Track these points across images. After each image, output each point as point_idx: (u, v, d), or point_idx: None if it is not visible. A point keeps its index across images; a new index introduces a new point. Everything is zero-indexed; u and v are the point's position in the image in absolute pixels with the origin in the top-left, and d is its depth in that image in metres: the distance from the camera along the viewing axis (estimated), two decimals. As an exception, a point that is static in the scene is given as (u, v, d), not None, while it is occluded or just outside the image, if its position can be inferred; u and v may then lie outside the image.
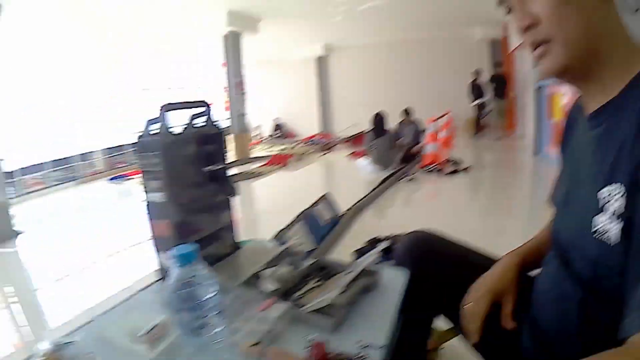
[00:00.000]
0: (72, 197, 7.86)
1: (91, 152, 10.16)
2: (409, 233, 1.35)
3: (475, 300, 1.06)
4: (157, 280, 1.44)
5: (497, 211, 4.15)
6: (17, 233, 4.76)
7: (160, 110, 1.22)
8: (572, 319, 0.84)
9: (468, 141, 9.16)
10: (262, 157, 9.97)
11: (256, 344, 0.99)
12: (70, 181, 9.05)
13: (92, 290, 3.31)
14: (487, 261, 1.17)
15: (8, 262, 4.24)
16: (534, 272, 1.07)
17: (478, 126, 9.64)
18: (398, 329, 1.08)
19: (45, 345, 1.07)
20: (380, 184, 5.57)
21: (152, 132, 1.26)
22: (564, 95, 5.16)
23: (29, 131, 8.94)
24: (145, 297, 1.37)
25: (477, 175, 5.94)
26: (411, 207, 5.01)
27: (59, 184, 8.74)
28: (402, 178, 5.97)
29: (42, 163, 8.71)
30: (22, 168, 8.13)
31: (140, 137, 1.25)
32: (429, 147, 6.44)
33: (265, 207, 5.87)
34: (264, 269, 1.35)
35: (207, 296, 0.81)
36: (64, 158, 9.30)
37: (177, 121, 1.34)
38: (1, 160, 4.66)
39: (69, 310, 3.01)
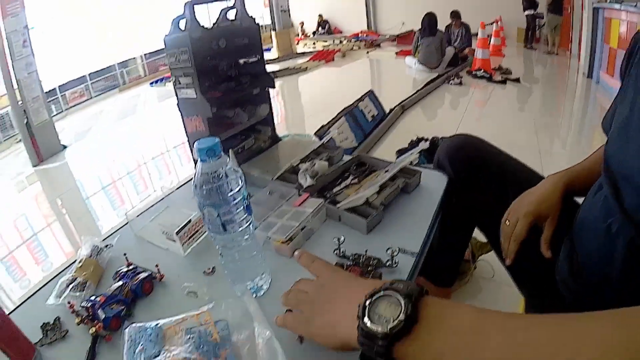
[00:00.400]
0: (113, 106, 7.90)
1: (131, 58, 10.06)
2: (452, 136, 1.26)
3: (515, 219, 0.99)
4: (192, 179, 1.45)
5: (544, 129, 3.93)
6: (64, 147, 4.90)
7: (186, 5, 1.15)
8: (616, 259, 0.76)
9: (519, 51, 8.65)
10: (306, 53, 9.76)
11: (288, 240, 1.00)
12: (111, 89, 9.07)
13: (133, 194, 3.44)
14: (532, 177, 1.10)
15: (56, 176, 4.35)
16: (579, 199, 0.98)
17: (530, 37, 9.03)
18: (434, 235, 1.05)
19: (84, 251, 1.11)
20: (427, 84, 5.41)
21: (180, 29, 1.22)
22: (623, 22, 4.73)
23: (66, 45, 8.84)
24: (180, 196, 1.39)
25: (526, 88, 5.63)
26: (457, 111, 4.81)
27: (100, 94, 8.77)
28: (450, 80, 5.79)
29: (83, 76, 8.65)
30: (64, 84, 8.11)
31: (166, 35, 1.20)
32: (479, 52, 6.19)
33: (308, 103, 5.76)
34: (300, 163, 1.33)
35: (233, 191, 0.79)
36: (105, 68, 9.23)
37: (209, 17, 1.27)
38: (41, 81, 4.68)
39: (112, 215, 3.15)
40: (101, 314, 0.91)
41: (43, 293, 1.04)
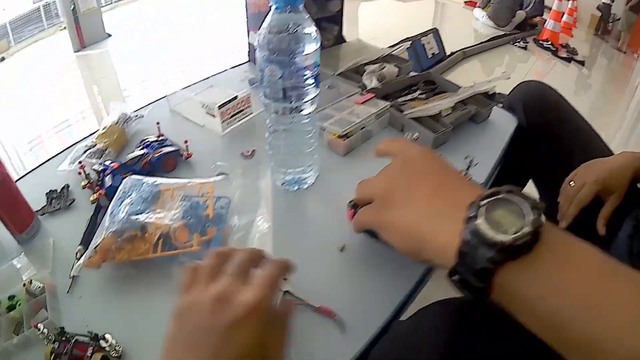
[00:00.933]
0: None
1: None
2: (530, 81, 1.20)
3: (582, 183, 0.93)
4: (243, 64, 1.35)
5: (604, 119, 3.76)
6: (108, 35, 4.79)
7: None
8: None
9: (587, 37, 8.25)
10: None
11: (345, 136, 0.92)
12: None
13: (176, 80, 3.31)
14: (603, 147, 1.05)
15: (97, 62, 4.25)
16: None
17: (602, 27, 8.57)
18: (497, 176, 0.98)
19: (110, 118, 1.02)
20: (491, 39, 5.22)
21: None
22: None
23: None
24: (228, 76, 1.30)
25: (589, 73, 5.37)
26: (515, 74, 4.60)
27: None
28: (515, 42, 5.56)
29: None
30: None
31: None
32: (550, 23, 5.90)
33: (369, 31, 5.52)
34: (367, 65, 1.24)
35: (307, 52, 0.68)
36: None
37: None
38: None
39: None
40: (108, 181, 0.83)
41: (58, 159, 0.97)
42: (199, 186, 0.78)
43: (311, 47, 0.68)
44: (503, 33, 5.84)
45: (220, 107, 0.99)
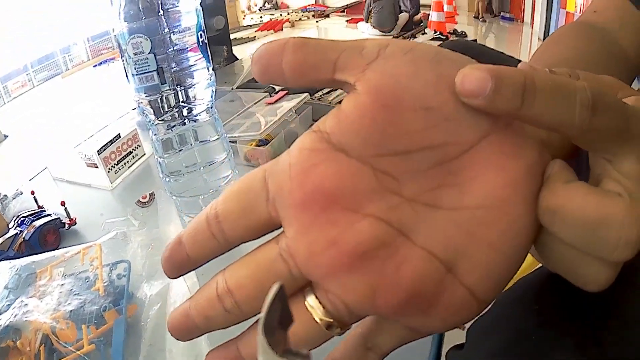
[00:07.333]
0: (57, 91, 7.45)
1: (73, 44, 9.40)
2: (446, 42, 1.09)
3: None
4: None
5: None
6: (5, 136, 4.62)
7: None
8: None
9: (470, 20, 8.78)
10: (253, 25, 9.45)
11: (263, 143, 0.73)
12: (55, 76, 8.52)
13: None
14: None
15: None
16: None
17: (483, 6, 9.12)
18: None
19: None
20: None
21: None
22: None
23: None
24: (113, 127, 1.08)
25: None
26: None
27: (43, 82, 8.19)
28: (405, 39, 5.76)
29: (24, 66, 7.99)
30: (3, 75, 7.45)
31: None
32: (434, 15, 6.24)
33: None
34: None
35: (179, 6, 0.48)
36: (45, 56, 8.58)
37: None
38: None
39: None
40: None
41: None
42: (82, 253, 0.55)
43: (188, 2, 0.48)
44: (392, 37, 5.99)
45: (99, 151, 0.76)
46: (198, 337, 0.28)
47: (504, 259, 0.23)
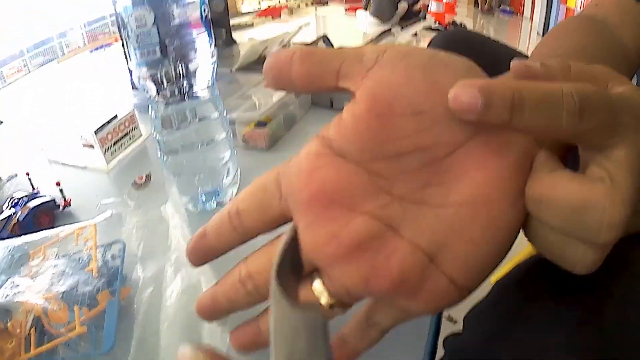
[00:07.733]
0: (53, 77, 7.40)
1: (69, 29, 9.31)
2: (448, 31, 1.09)
3: None
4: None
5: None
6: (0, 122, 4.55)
7: None
8: None
9: (469, 12, 8.75)
10: (251, 12, 9.43)
11: (263, 124, 0.71)
12: (51, 62, 8.45)
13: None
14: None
15: None
16: None
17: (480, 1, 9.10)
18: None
19: None
20: (379, 35, 5.29)
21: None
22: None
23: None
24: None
25: (483, 40, 5.58)
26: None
27: (39, 68, 8.12)
28: (403, 29, 5.73)
29: (20, 51, 7.91)
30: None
31: None
32: (433, 6, 6.14)
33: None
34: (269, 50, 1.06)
35: None
36: (42, 41, 8.49)
37: None
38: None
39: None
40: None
41: None
42: (76, 234, 0.54)
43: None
44: (390, 27, 5.96)
45: (96, 132, 0.75)
46: (223, 317, 0.34)
47: (484, 252, 0.26)
